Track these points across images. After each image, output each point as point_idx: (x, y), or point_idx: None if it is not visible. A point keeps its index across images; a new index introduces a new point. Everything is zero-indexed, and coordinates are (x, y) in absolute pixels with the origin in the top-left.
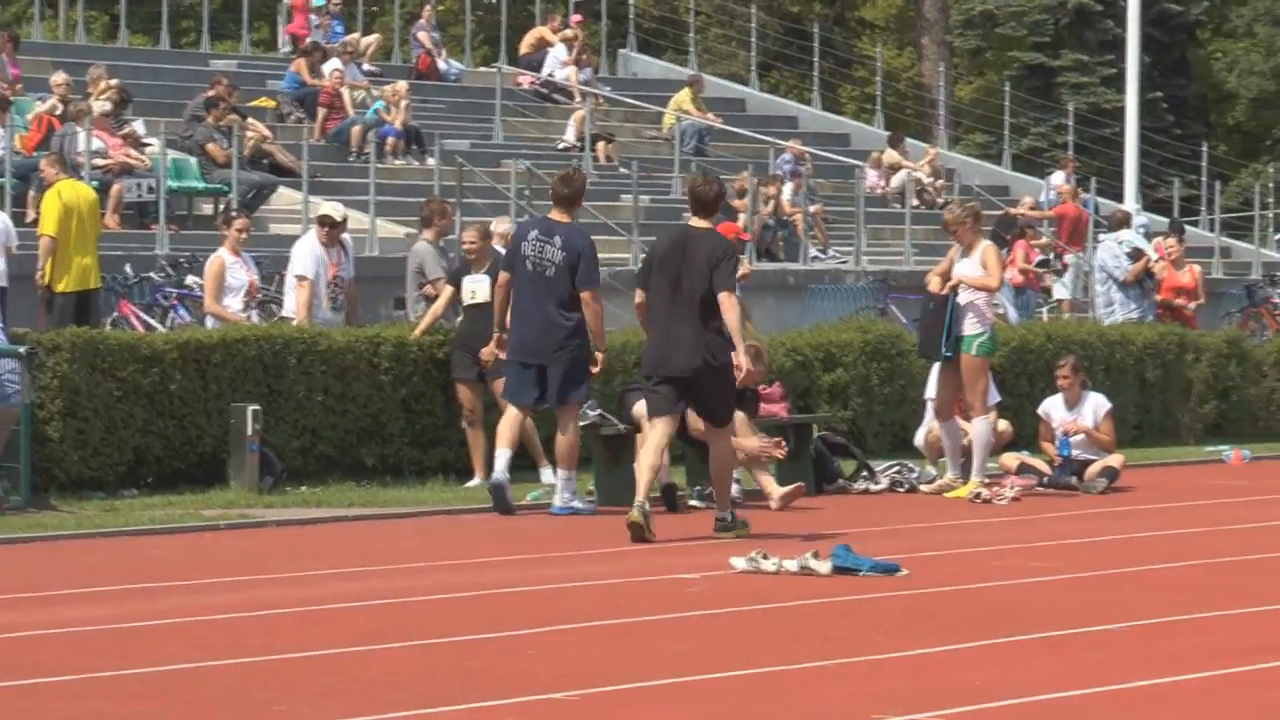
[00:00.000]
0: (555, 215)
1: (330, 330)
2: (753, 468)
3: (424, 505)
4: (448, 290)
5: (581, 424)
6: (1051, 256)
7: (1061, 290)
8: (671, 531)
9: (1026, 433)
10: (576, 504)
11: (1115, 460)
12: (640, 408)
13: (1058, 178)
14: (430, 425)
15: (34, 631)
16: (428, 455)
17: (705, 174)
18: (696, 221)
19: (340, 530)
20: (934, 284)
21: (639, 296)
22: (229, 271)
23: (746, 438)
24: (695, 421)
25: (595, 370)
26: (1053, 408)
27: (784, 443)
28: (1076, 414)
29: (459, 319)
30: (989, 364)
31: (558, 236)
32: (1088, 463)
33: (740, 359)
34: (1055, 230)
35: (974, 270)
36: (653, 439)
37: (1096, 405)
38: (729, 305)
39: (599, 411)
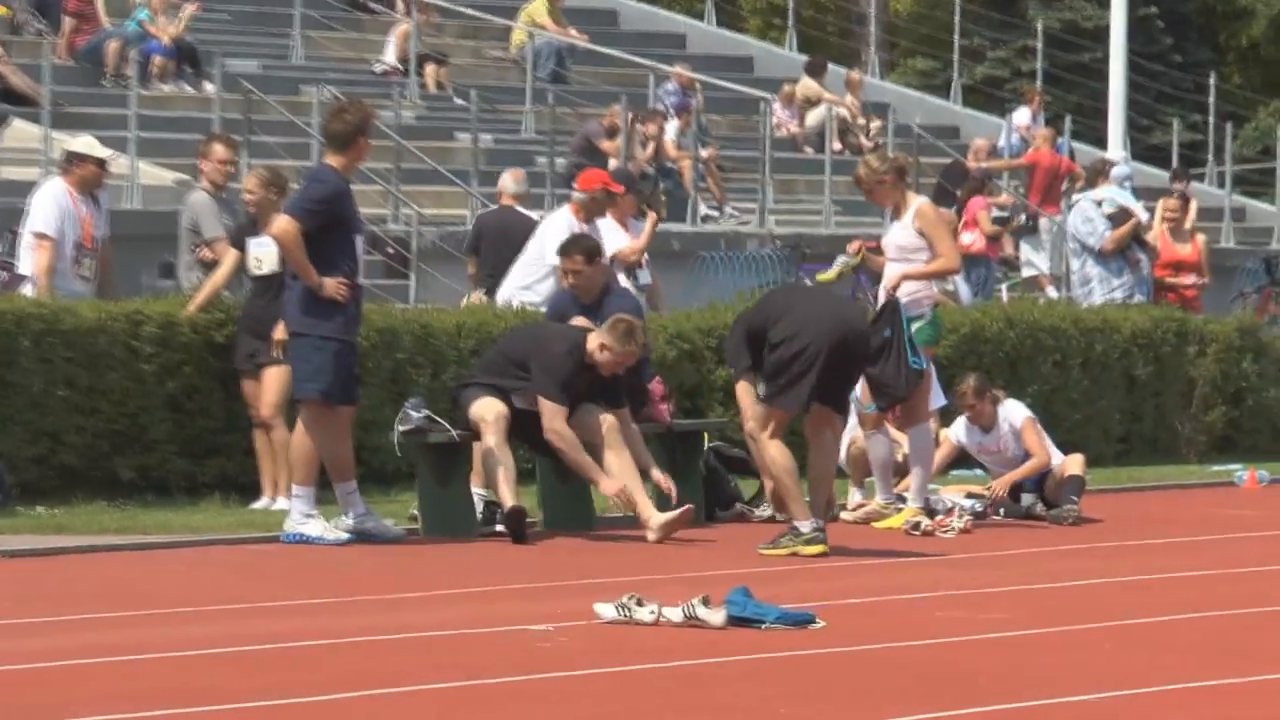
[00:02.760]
0: (327, 158)
1: (77, 304)
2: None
3: (197, 533)
4: (231, 254)
5: (403, 428)
6: (1012, 213)
7: (1034, 261)
8: (521, 569)
9: None
10: (307, 528)
11: (1075, 465)
12: (480, 408)
13: (1021, 116)
14: (206, 429)
15: None
16: (202, 468)
17: (354, 102)
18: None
19: (88, 564)
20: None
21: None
22: None
23: (616, 453)
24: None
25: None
26: (964, 433)
27: (670, 483)
28: (995, 438)
29: (246, 291)
30: (929, 355)
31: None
32: (1047, 477)
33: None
34: (1024, 184)
35: (905, 238)
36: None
37: (1010, 418)
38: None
39: (424, 413)
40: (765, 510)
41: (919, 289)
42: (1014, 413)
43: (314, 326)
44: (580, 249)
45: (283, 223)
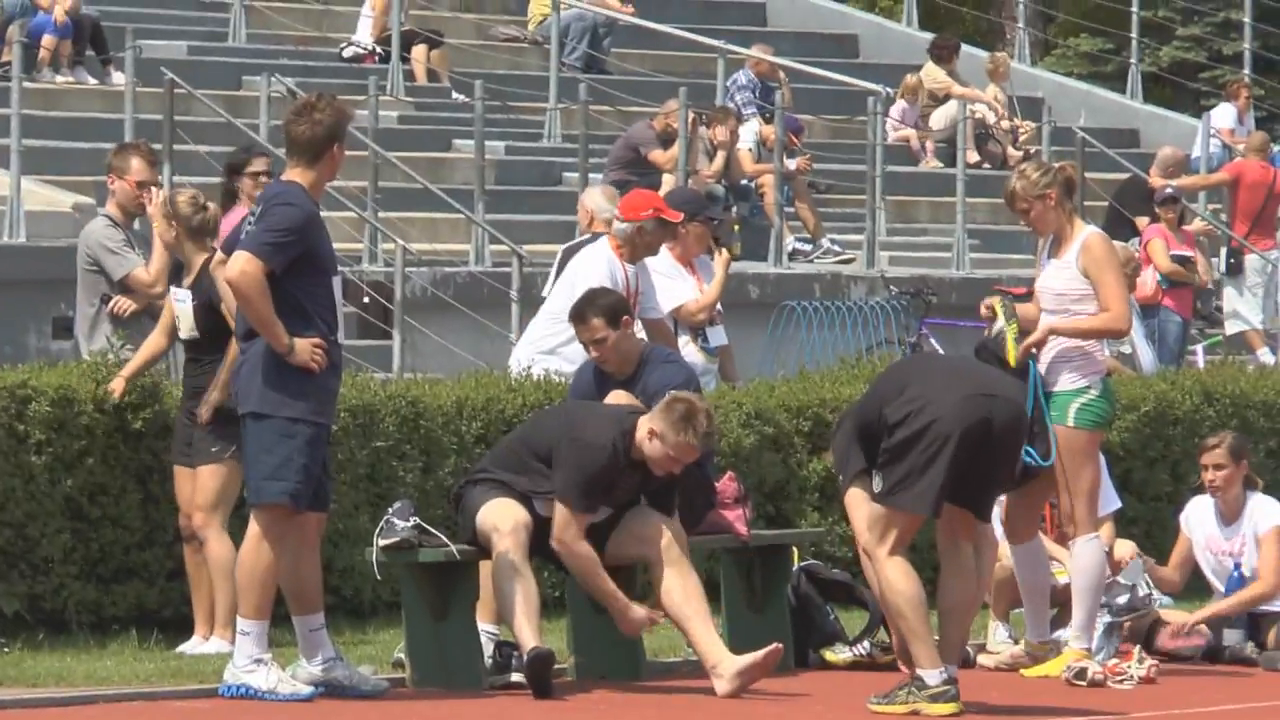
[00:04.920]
0: (289, 174)
1: None
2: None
3: (105, 685)
4: (167, 304)
5: (385, 542)
6: (1221, 253)
7: (1240, 312)
8: None
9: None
10: (255, 679)
11: None
12: (492, 514)
13: (1224, 115)
14: (116, 544)
15: None
16: (111, 596)
17: (323, 97)
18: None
19: None
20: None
21: None
22: None
23: (681, 574)
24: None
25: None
26: (1199, 516)
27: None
28: (1235, 534)
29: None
30: (1099, 442)
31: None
32: (1266, 617)
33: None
34: (1226, 208)
35: (1066, 282)
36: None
37: (1259, 517)
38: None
39: (413, 521)
40: (874, 651)
41: (1081, 353)
42: (1265, 512)
43: (279, 405)
44: (597, 310)
45: (240, 262)
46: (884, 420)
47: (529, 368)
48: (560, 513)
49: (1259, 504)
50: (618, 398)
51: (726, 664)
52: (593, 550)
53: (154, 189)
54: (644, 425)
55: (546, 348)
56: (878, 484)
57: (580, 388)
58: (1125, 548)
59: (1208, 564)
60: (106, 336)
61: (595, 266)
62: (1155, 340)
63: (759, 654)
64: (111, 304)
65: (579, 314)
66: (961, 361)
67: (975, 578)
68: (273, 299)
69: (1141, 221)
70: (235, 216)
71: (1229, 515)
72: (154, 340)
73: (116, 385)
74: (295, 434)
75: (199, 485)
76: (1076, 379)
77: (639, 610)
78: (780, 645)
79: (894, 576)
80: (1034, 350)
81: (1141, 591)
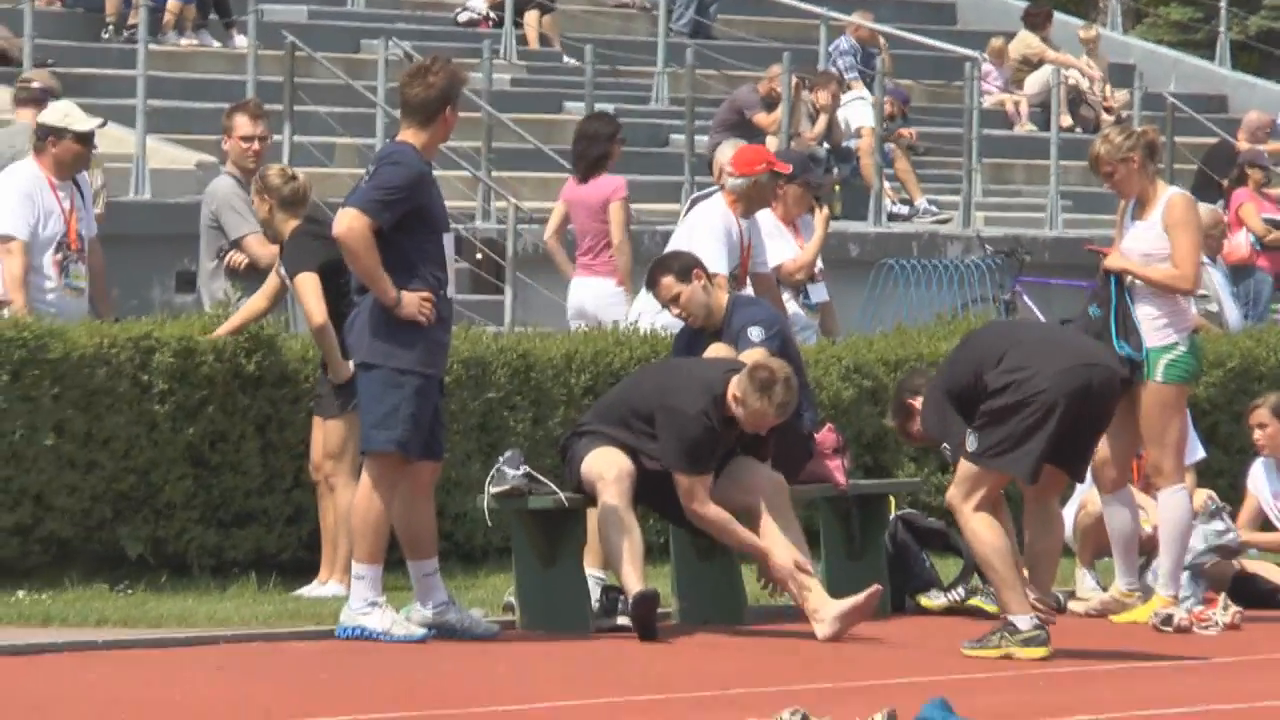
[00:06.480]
0: (403, 135)
1: (68, 326)
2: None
3: (225, 626)
4: (274, 272)
5: (496, 490)
6: None
7: None
8: (652, 675)
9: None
10: (370, 621)
11: None
12: (597, 464)
13: None
14: (236, 490)
15: None
16: (232, 540)
17: (438, 60)
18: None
19: (83, 665)
20: (1112, 262)
21: None
22: None
23: (785, 521)
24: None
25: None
26: (1260, 476)
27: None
28: None
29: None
30: (1186, 396)
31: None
32: None
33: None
34: None
35: (1151, 243)
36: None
37: None
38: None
39: (523, 469)
40: (968, 596)
41: (1177, 310)
42: None
43: (388, 356)
44: (664, 269)
45: (348, 218)
46: (983, 386)
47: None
48: (680, 482)
49: None
50: (717, 350)
51: (827, 608)
52: (723, 510)
53: (259, 141)
54: (733, 386)
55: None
56: (972, 443)
57: (679, 345)
58: (1202, 496)
59: (1277, 518)
60: (225, 289)
61: (710, 220)
62: (1250, 300)
63: (858, 598)
64: (227, 258)
65: (651, 279)
66: (1053, 330)
67: (1061, 524)
68: (382, 254)
69: (1234, 186)
70: None
71: None
72: (254, 302)
73: (220, 331)
74: (403, 384)
75: (326, 436)
76: (1166, 335)
77: (784, 551)
78: (878, 589)
79: (981, 528)
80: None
81: (1226, 535)
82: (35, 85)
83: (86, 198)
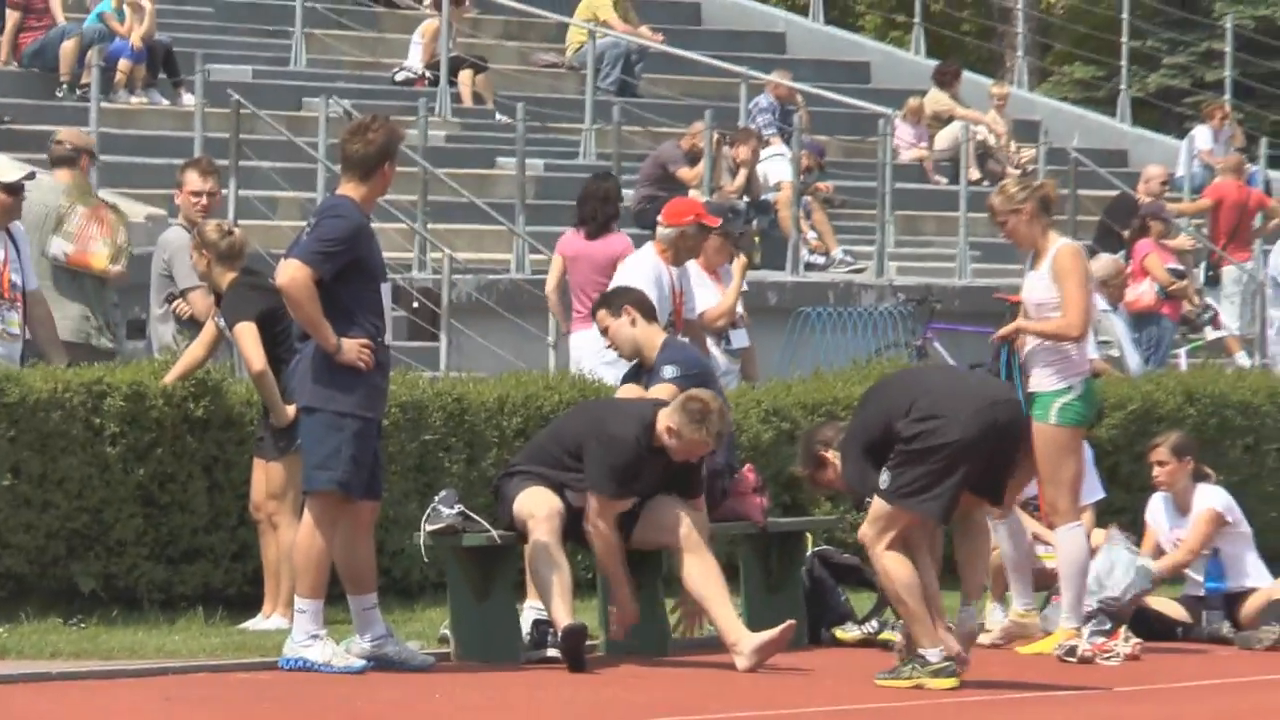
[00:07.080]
0: (343, 188)
1: (25, 373)
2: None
3: (174, 657)
4: (212, 320)
5: (432, 528)
6: (1196, 266)
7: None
8: (580, 705)
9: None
10: (312, 653)
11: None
12: (528, 502)
13: (1203, 137)
14: (185, 526)
15: None
16: (180, 575)
17: (378, 118)
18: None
19: (37, 696)
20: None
21: None
22: None
23: (699, 558)
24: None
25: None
26: (1157, 512)
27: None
28: (1189, 522)
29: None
30: (1080, 438)
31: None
32: (1241, 598)
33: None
34: (1207, 224)
35: (1043, 292)
36: None
37: (1199, 502)
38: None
39: (458, 508)
40: (882, 630)
41: (1060, 356)
42: (1206, 497)
43: (329, 400)
44: (604, 302)
45: (290, 269)
46: (895, 433)
47: (582, 369)
48: (594, 502)
49: (1204, 493)
50: (627, 391)
51: (745, 641)
52: (619, 539)
53: (208, 197)
54: (663, 419)
55: (605, 356)
56: (885, 480)
57: (625, 381)
58: (1100, 536)
59: (1171, 551)
60: (173, 335)
61: (642, 269)
62: (1153, 345)
63: (775, 631)
64: (174, 304)
65: (591, 312)
66: (957, 373)
67: (987, 533)
68: (323, 303)
69: (1135, 237)
70: None
71: (1181, 507)
72: (192, 351)
73: (168, 379)
74: (344, 426)
75: (269, 477)
76: (1058, 380)
77: (631, 606)
78: (794, 623)
79: (892, 565)
80: (1011, 339)
81: (1122, 592)
82: (68, 146)
83: (22, 249)
